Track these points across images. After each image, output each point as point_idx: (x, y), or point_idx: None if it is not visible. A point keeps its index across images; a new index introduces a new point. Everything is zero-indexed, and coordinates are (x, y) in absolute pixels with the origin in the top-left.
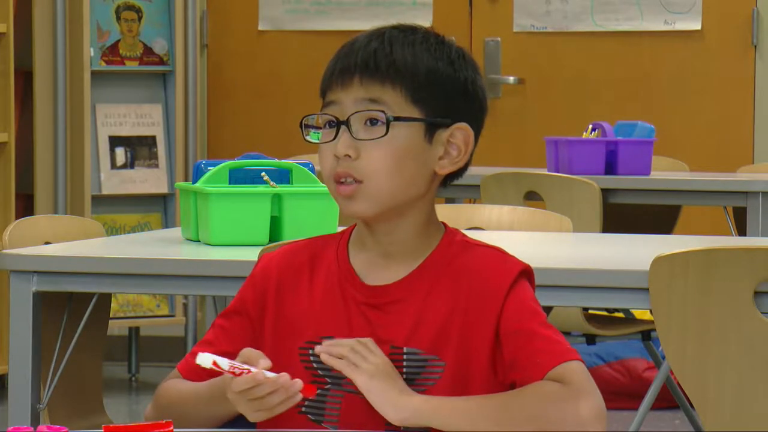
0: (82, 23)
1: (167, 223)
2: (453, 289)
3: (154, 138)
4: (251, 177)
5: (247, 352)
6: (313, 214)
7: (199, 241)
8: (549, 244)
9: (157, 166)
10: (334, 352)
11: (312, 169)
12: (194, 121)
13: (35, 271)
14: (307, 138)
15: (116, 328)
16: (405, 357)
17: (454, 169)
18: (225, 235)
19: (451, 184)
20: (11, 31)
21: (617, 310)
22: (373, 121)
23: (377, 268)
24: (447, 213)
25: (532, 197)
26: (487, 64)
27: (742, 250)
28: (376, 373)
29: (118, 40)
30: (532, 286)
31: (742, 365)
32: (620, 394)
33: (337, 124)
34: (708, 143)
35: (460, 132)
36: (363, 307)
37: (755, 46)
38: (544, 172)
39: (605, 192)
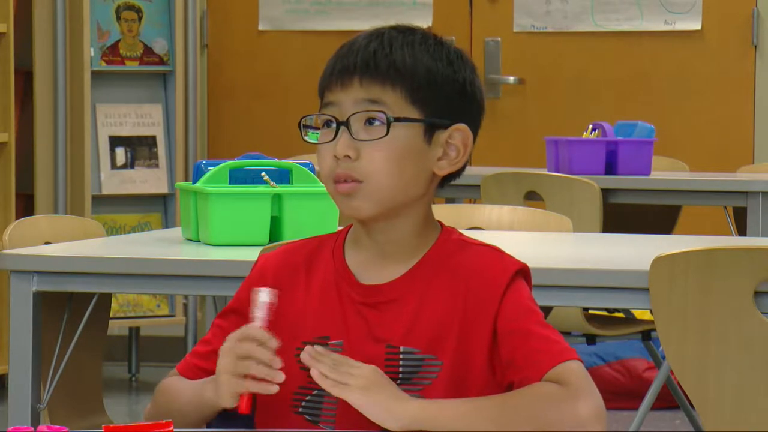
0: (82, 23)
1: (167, 223)
2: (450, 288)
3: (154, 138)
4: (251, 177)
5: (256, 352)
6: (313, 214)
7: (199, 241)
8: (549, 244)
9: (157, 166)
10: (315, 373)
11: (312, 169)
12: (194, 121)
13: (35, 271)
14: (306, 138)
15: (116, 328)
16: (401, 356)
17: (453, 170)
18: (225, 235)
19: (450, 184)
20: (11, 31)
21: (617, 310)
22: (372, 122)
23: (373, 268)
24: (447, 213)
25: (532, 197)
26: (487, 64)
27: (742, 250)
28: (368, 385)
29: (118, 40)
30: (529, 285)
31: (742, 365)
32: (620, 394)
33: (336, 125)
34: (708, 143)
35: (458, 133)
36: (359, 306)
37: (755, 46)
38: (544, 172)
39: (605, 192)
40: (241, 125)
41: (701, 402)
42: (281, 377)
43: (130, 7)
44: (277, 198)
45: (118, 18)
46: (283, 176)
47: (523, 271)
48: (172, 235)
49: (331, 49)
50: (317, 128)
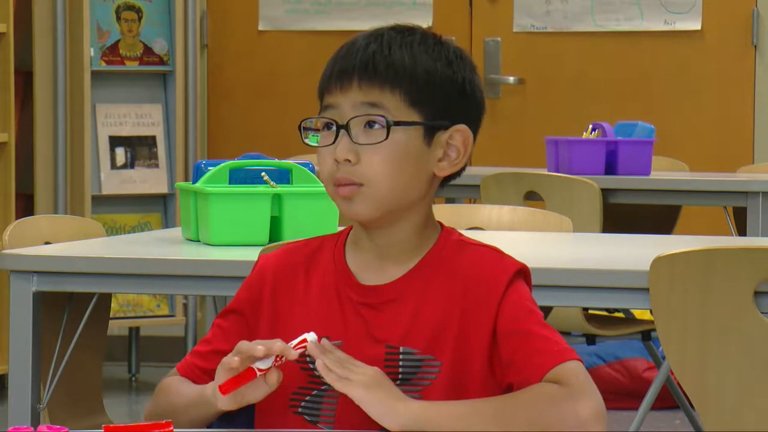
0: (82, 23)
1: (167, 223)
2: (449, 288)
3: (154, 138)
4: (251, 177)
5: (244, 345)
6: (313, 214)
7: (199, 241)
8: (549, 244)
9: (157, 166)
10: (320, 364)
11: (312, 169)
12: (194, 121)
13: (35, 271)
14: (306, 141)
15: (116, 328)
16: (401, 357)
17: (453, 170)
18: (225, 235)
19: (450, 184)
20: (11, 31)
21: (617, 310)
22: (372, 125)
23: (373, 268)
24: (447, 213)
25: (532, 197)
26: (487, 64)
27: (742, 250)
28: (370, 383)
29: (118, 40)
30: (529, 285)
31: (742, 365)
32: (620, 394)
33: (336, 128)
34: (708, 143)
35: (458, 134)
36: (359, 306)
37: (755, 46)
38: (544, 172)
39: (605, 192)
40: (241, 125)
41: (701, 402)
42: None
43: (130, 7)
44: (277, 198)
45: (118, 18)
46: (283, 176)
47: (522, 272)
48: (172, 235)
49: (331, 49)
50: (317, 130)
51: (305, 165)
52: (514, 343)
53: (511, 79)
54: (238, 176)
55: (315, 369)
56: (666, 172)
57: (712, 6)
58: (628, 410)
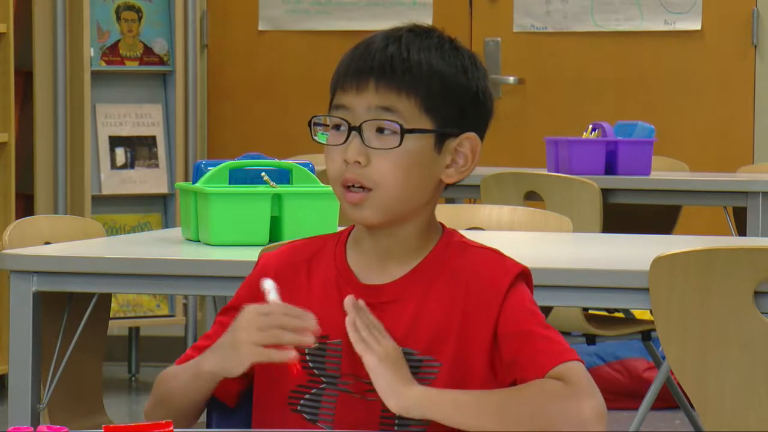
0: (82, 23)
1: (167, 223)
2: (450, 290)
3: (154, 138)
4: (251, 177)
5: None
6: (313, 214)
7: (199, 241)
8: (549, 244)
9: (157, 166)
10: (349, 320)
11: (312, 169)
12: (194, 121)
13: (35, 271)
14: (315, 138)
15: (116, 328)
16: None
17: (460, 177)
18: (225, 235)
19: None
20: (11, 31)
21: (617, 310)
22: (384, 130)
23: (374, 268)
24: (447, 213)
25: (532, 197)
26: (487, 64)
27: (742, 250)
28: (385, 357)
29: (118, 40)
30: (530, 288)
31: (742, 365)
32: (620, 394)
33: (348, 129)
34: (708, 143)
35: (468, 141)
36: None
37: (755, 46)
38: (544, 172)
39: (605, 192)
40: (241, 125)
41: (701, 402)
42: (311, 340)
43: (130, 7)
44: (277, 198)
45: (118, 18)
46: (283, 176)
47: (524, 274)
48: (172, 235)
49: (331, 49)
50: (326, 125)
51: (305, 165)
52: (515, 343)
53: (511, 79)
54: (238, 176)
55: (315, 368)
56: (666, 172)
57: (712, 6)
58: (628, 410)
